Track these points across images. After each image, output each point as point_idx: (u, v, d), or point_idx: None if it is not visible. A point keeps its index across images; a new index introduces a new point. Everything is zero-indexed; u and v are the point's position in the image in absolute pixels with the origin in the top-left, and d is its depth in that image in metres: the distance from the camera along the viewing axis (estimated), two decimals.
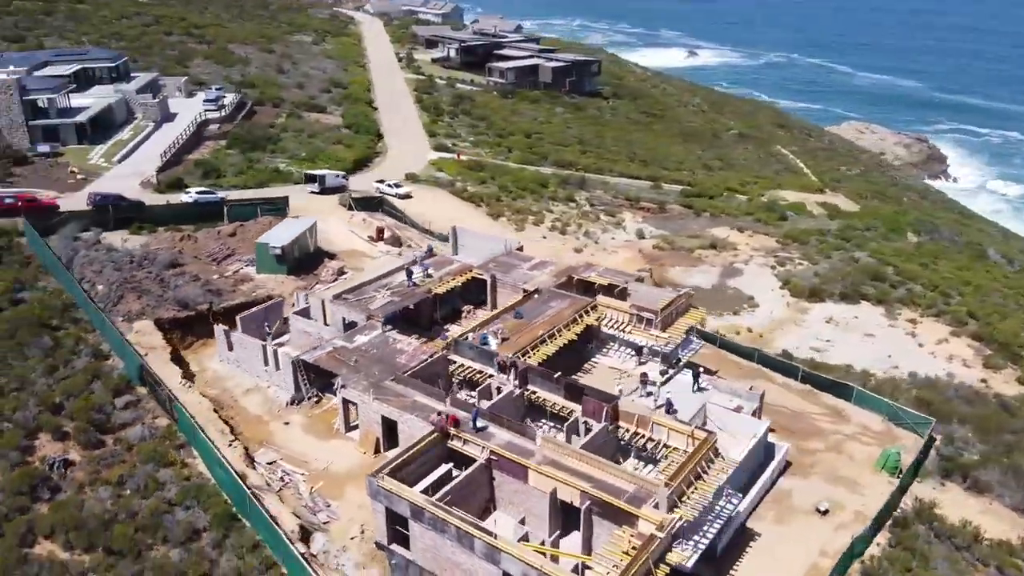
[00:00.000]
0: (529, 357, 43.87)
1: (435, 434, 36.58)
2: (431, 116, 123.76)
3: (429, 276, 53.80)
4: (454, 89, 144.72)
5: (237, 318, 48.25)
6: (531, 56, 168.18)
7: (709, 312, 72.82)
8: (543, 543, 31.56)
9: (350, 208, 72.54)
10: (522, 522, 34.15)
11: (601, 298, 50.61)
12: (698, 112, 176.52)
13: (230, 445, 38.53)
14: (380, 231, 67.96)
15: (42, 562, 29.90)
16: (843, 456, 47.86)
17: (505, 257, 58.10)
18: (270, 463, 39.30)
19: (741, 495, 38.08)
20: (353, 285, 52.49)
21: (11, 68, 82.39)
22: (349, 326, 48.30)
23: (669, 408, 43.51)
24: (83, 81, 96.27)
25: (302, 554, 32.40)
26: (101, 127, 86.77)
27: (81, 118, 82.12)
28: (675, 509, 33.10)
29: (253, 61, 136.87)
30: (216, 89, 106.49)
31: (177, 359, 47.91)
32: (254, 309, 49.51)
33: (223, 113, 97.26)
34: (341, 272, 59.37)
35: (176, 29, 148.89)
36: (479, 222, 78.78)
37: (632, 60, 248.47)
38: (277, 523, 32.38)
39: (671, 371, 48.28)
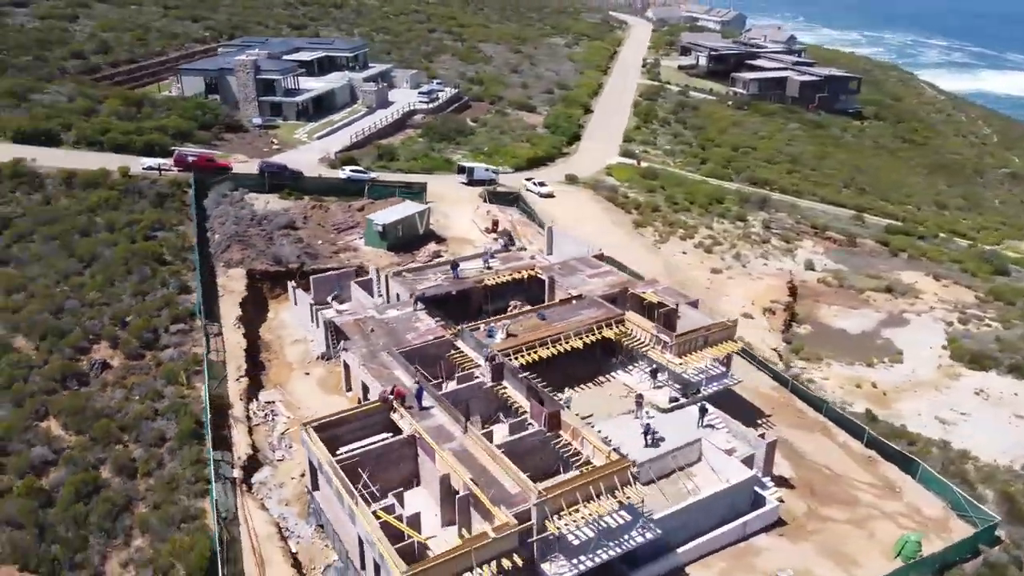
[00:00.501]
0: (521, 356, 45.21)
1: (377, 403, 39.97)
2: (639, 122, 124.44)
3: (489, 268, 56.71)
4: (684, 97, 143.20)
5: (311, 279, 55.25)
6: (783, 68, 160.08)
7: (839, 359, 67.19)
8: (399, 516, 33.49)
9: (486, 200, 77.21)
10: (399, 495, 36.35)
11: (630, 314, 49.87)
12: (976, 144, 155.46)
13: (237, 379, 45.30)
14: (495, 224, 71.79)
15: (39, 433, 38.63)
16: (862, 532, 42.82)
17: (575, 261, 58.94)
18: (268, 402, 45.42)
19: (660, 531, 36.47)
20: (417, 265, 57.14)
21: (256, 51, 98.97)
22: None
23: (648, 433, 42.44)
24: (325, 67, 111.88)
25: (233, 478, 37.82)
26: (324, 107, 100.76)
27: (301, 98, 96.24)
28: (547, 522, 33.21)
29: (495, 60, 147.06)
30: (436, 83, 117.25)
31: (263, 305, 56.35)
32: (327, 273, 56.23)
33: (433, 105, 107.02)
34: (437, 255, 64.30)
35: (442, 27, 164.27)
36: (616, 230, 79.07)
37: (954, 83, 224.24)
38: (213, 445, 38.12)
39: (683, 400, 46.49)
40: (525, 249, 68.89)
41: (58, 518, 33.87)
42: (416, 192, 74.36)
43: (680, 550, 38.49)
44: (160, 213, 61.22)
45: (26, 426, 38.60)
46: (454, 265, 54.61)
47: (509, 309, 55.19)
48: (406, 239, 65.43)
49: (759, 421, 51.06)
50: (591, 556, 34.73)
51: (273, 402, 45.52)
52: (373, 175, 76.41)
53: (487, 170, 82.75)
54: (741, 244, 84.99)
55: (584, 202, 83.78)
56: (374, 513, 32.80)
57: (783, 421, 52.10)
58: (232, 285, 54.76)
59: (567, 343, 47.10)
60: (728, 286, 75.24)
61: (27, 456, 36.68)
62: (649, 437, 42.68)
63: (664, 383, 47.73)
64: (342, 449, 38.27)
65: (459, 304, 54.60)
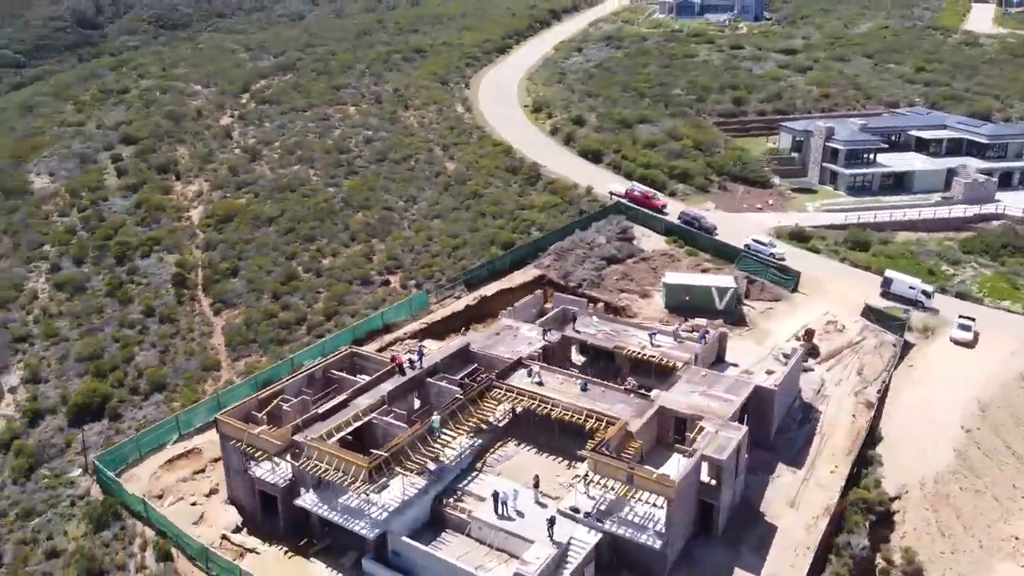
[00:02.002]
0: (510, 397, 51.84)
1: (390, 363, 55.47)
2: None
3: (656, 345, 58.53)
4: None
5: (554, 294, 68.14)
6: None
7: None
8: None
9: (864, 314, 68.11)
10: None
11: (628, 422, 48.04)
12: None
13: (419, 322, 65.73)
14: (809, 335, 65.02)
15: (307, 300, 68.42)
16: None
17: (728, 379, 54.36)
18: (421, 344, 64.03)
19: (378, 536, 43.43)
20: (611, 318, 63.33)
21: (852, 121, 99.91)
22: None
23: (496, 499, 45.80)
24: (961, 149, 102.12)
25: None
26: (901, 186, 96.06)
27: (856, 171, 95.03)
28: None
29: None
30: None
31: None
32: (568, 295, 67.54)
33: None
34: (695, 328, 65.53)
35: None
36: (986, 412, 59.06)
37: None
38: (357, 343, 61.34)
39: (579, 517, 45.17)
40: (812, 370, 62.44)
41: (255, 327, 63.82)
42: (786, 278, 72.26)
43: None
44: (560, 220, 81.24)
45: (311, 296, 69.16)
46: (575, 318, 60.15)
47: (623, 381, 56.85)
48: (694, 305, 67.94)
49: None
50: (327, 508, 45.51)
51: (424, 346, 63.87)
52: (773, 251, 76.40)
53: (912, 288, 70.46)
54: None
55: (1005, 369, 62.84)
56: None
57: None
58: (516, 278, 72.40)
59: (547, 411, 50.38)
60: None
61: (270, 309, 67.45)
62: (498, 504, 45.62)
63: (587, 495, 46.21)
64: (360, 376, 56.12)
65: (603, 359, 59.63)
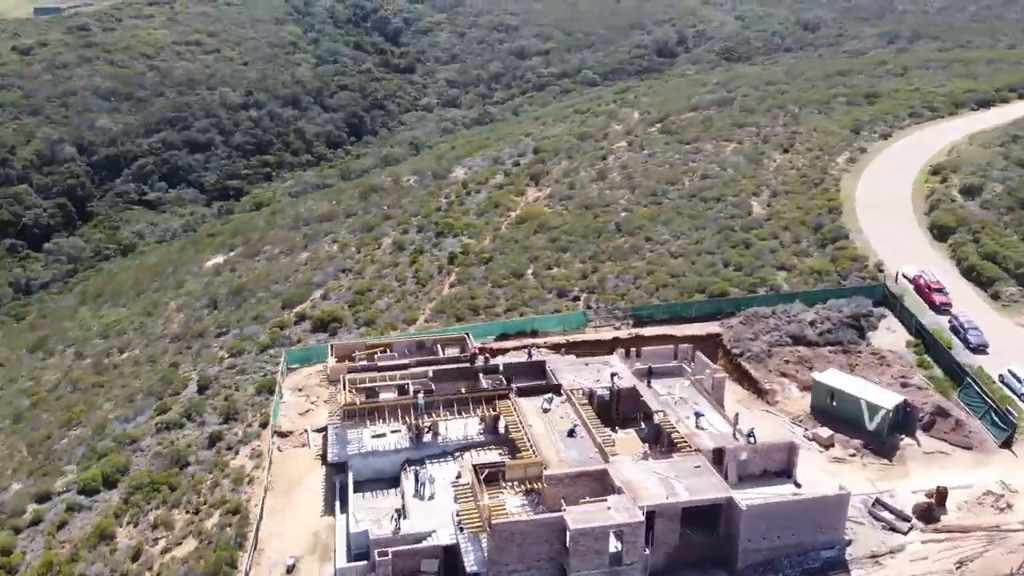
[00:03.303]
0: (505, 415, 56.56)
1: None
2: None
3: (699, 427, 54.30)
4: None
5: (696, 353, 65.23)
6: None
7: None
8: None
9: None
10: None
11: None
12: None
13: (561, 336, 71.24)
14: (941, 498, 50.09)
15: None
16: None
17: (717, 485, 47.92)
18: (530, 348, 68.48)
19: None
20: (700, 390, 59.03)
21: None
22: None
23: (417, 477, 53.42)
24: None
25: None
26: None
27: None
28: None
29: None
30: None
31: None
32: (706, 361, 64.03)
33: None
34: (813, 437, 56.21)
35: None
36: None
37: None
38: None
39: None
40: (905, 533, 50.39)
41: (454, 303, 78.14)
42: (1001, 427, 55.01)
43: None
44: (806, 287, 74.06)
45: (510, 292, 79.36)
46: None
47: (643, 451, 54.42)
48: (839, 415, 58.12)
49: None
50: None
51: (533, 350, 68.71)
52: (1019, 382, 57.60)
53: None
54: None
55: None
56: None
57: None
58: (690, 329, 70.18)
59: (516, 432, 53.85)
60: None
61: (475, 293, 79.32)
62: (417, 481, 53.09)
63: None
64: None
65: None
